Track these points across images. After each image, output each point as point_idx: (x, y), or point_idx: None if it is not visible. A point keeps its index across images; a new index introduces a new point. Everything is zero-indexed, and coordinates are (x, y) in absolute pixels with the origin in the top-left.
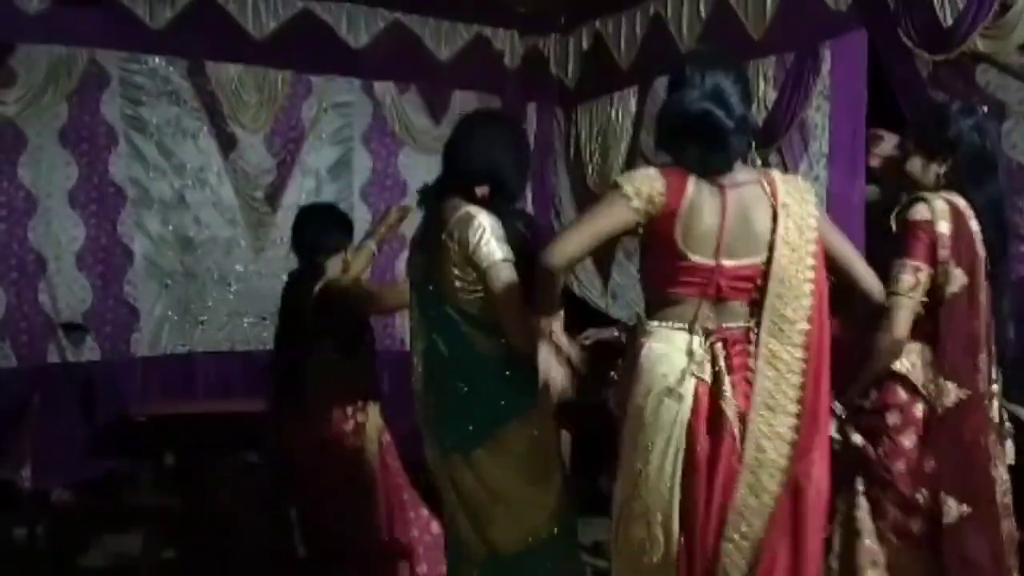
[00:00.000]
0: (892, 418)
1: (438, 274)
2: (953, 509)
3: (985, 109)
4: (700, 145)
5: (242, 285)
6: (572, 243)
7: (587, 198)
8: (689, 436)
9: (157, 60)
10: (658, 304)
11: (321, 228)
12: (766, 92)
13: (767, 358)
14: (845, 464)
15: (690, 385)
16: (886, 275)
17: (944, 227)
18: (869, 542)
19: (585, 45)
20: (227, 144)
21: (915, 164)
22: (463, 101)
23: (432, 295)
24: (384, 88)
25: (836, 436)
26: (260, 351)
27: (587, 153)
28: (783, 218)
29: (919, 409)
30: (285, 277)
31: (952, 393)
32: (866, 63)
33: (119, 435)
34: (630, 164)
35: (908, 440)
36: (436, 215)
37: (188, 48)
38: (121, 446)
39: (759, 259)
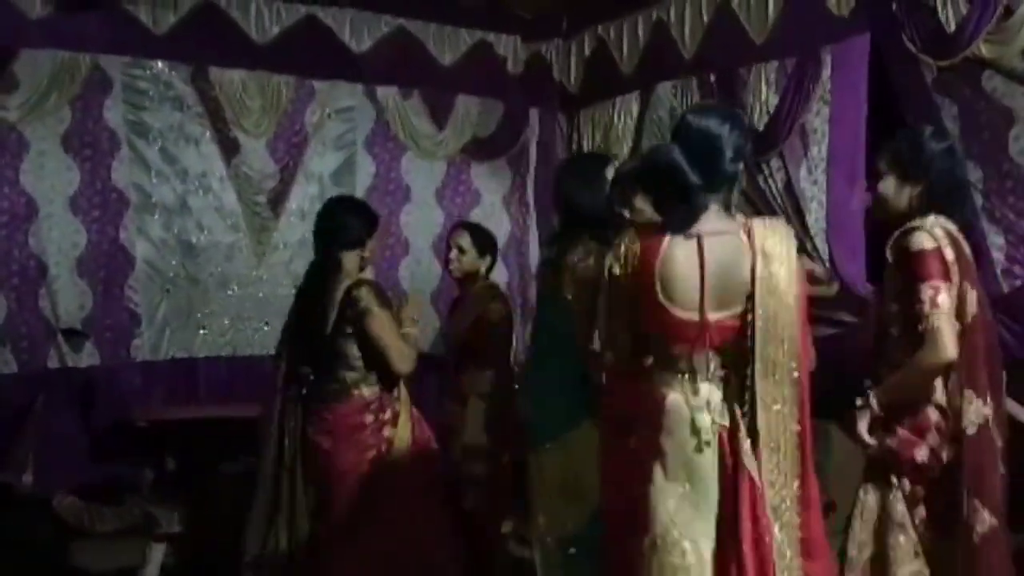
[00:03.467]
0: (931, 439)
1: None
2: (987, 520)
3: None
4: (668, 197)
5: (244, 290)
6: (618, 344)
7: None
8: (722, 482)
9: (160, 65)
10: (666, 358)
11: (342, 221)
12: (767, 97)
13: (764, 402)
14: (875, 458)
15: (714, 431)
16: (895, 300)
17: (950, 253)
18: (905, 536)
19: (588, 50)
20: (230, 149)
21: (888, 186)
22: (466, 106)
23: (561, 312)
24: (387, 93)
25: (867, 438)
26: (262, 356)
27: None
28: (762, 267)
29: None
30: (287, 282)
31: (981, 411)
32: (867, 68)
33: (120, 440)
34: None
35: (946, 453)
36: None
37: (191, 53)
38: (122, 451)
39: (741, 308)
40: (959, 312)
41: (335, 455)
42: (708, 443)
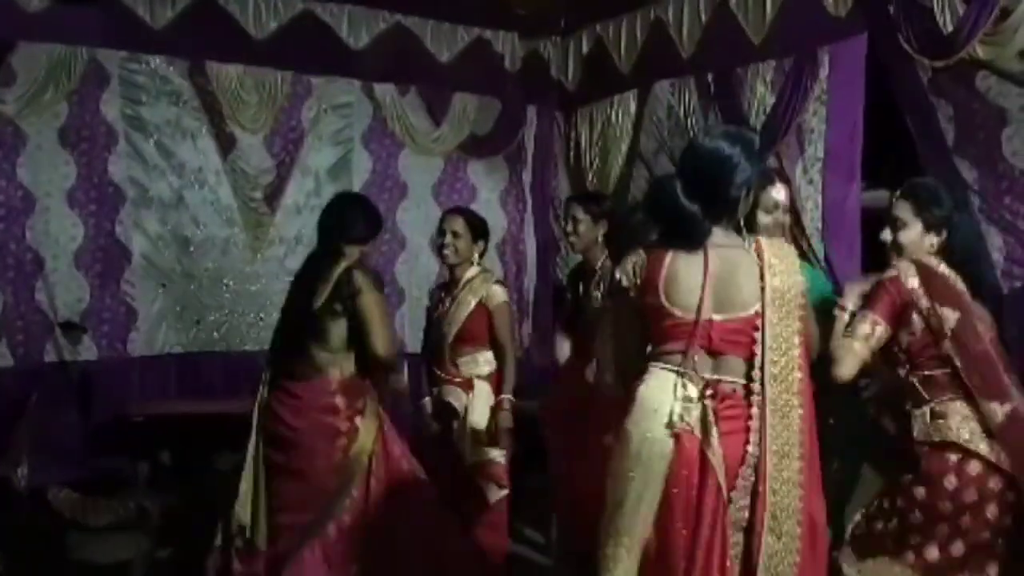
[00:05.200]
0: (949, 482)
1: None
2: None
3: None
4: (669, 230)
5: (240, 285)
6: (624, 354)
7: None
8: (668, 475)
9: (157, 60)
10: (657, 354)
11: (352, 217)
12: (764, 96)
13: (773, 407)
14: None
15: (676, 425)
16: None
17: (913, 281)
18: None
19: (585, 48)
20: (226, 144)
21: (912, 234)
22: (463, 103)
23: None
24: (384, 89)
25: None
26: (257, 351)
27: (587, 156)
28: (770, 276)
29: (974, 467)
30: (283, 277)
31: (998, 411)
32: (864, 69)
33: (116, 434)
34: (629, 167)
35: (968, 496)
36: None
37: (188, 48)
38: (118, 445)
39: (749, 313)
40: (937, 329)
41: (305, 438)
42: (661, 437)
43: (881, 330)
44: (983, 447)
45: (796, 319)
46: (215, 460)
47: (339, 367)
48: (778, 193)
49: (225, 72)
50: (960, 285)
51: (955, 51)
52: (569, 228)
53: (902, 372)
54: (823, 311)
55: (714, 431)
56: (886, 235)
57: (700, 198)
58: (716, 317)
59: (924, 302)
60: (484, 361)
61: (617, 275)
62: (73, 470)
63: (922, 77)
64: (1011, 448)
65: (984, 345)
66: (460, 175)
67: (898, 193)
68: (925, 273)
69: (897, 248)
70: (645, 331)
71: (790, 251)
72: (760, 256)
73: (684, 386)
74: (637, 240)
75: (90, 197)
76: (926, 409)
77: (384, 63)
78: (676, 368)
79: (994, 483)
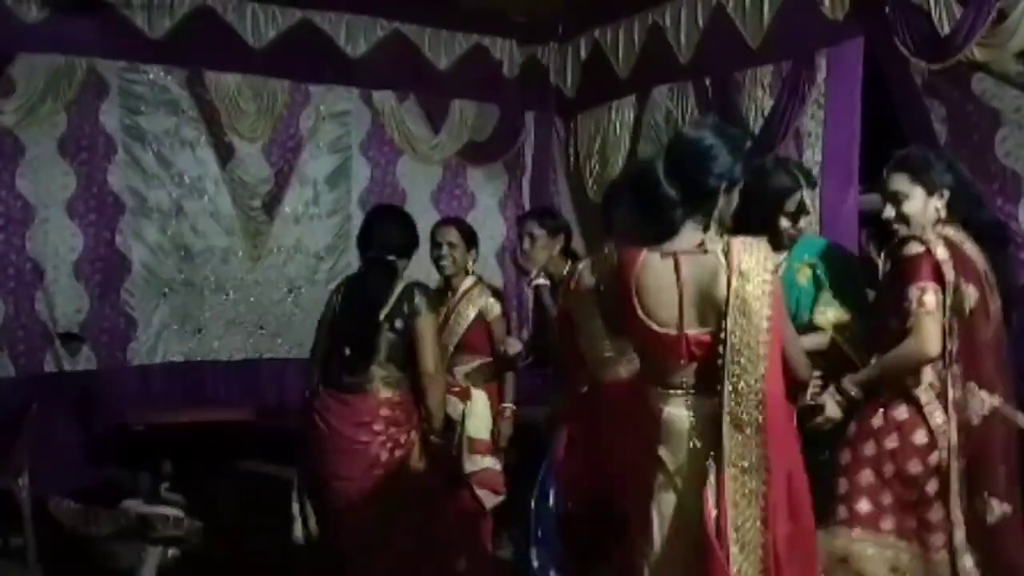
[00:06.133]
0: (890, 442)
1: None
2: (996, 509)
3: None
4: (645, 210)
5: (240, 294)
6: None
7: (586, 207)
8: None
9: (156, 69)
10: (656, 371)
11: (402, 230)
12: (762, 100)
13: (731, 422)
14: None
15: (700, 445)
16: (887, 306)
17: (942, 252)
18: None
19: (584, 54)
20: (225, 153)
21: (915, 204)
22: (462, 110)
23: None
24: (383, 97)
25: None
26: (257, 359)
27: (586, 162)
28: (736, 284)
29: (921, 434)
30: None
31: (987, 401)
32: (861, 72)
33: (117, 444)
34: None
35: (890, 441)
36: None
37: (187, 58)
38: (119, 455)
39: (715, 327)
40: (957, 308)
41: (365, 449)
42: (694, 452)
43: (941, 296)
44: (937, 417)
45: (764, 330)
46: (216, 469)
47: (396, 384)
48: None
49: (223, 81)
50: (980, 263)
51: (952, 53)
52: (527, 245)
53: (894, 322)
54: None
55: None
56: (888, 212)
57: (679, 185)
58: (690, 331)
59: (951, 275)
60: (482, 373)
61: (585, 274)
62: (74, 480)
63: (916, 79)
64: (981, 442)
65: (992, 331)
66: (459, 182)
67: (889, 167)
68: (952, 247)
69: (904, 220)
70: (629, 339)
71: (765, 253)
72: (729, 263)
73: (690, 406)
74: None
75: (89, 207)
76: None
77: (382, 71)
78: (685, 387)
79: (920, 437)
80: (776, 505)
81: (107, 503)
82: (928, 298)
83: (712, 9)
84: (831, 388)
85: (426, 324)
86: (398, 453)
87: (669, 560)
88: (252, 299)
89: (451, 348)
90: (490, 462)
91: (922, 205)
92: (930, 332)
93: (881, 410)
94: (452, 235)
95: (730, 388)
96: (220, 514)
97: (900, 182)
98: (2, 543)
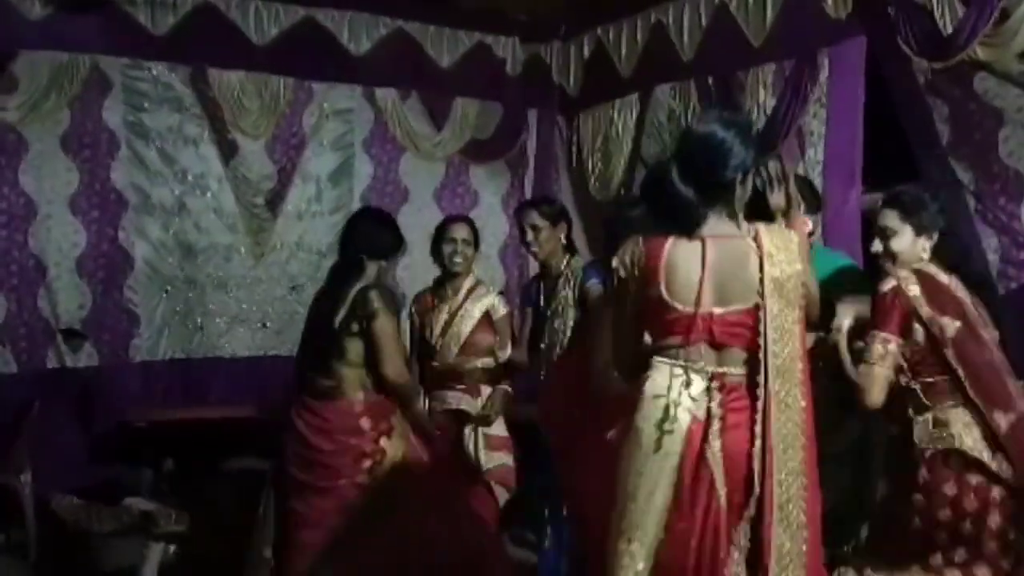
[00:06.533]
0: (949, 489)
1: None
2: None
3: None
4: (665, 214)
5: (242, 291)
6: (625, 349)
7: (589, 205)
8: (680, 469)
9: (159, 66)
10: (659, 348)
11: (376, 231)
12: (765, 99)
13: (777, 400)
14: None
15: (685, 420)
16: None
17: (915, 289)
18: None
19: (586, 52)
20: (228, 151)
21: (904, 241)
22: (464, 108)
23: None
24: (385, 95)
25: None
26: (259, 357)
27: (589, 160)
28: (769, 267)
29: (973, 477)
30: (285, 283)
31: (1003, 421)
32: (863, 71)
33: (119, 441)
34: (631, 171)
35: (968, 504)
36: None
37: (190, 55)
38: (121, 452)
39: (749, 305)
40: (937, 341)
41: (331, 459)
42: (671, 432)
43: (894, 347)
44: (985, 456)
45: (797, 308)
46: (218, 466)
47: (363, 386)
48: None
49: (227, 78)
50: (961, 292)
51: (955, 52)
52: (530, 237)
53: (904, 379)
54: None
55: (715, 425)
56: (877, 246)
57: (695, 183)
58: (716, 310)
59: (925, 310)
60: (484, 367)
61: (615, 265)
62: (76, 477)
63: (919, 78)
64: (1014, 457)
65: (987, 355)
66: (462, 180)
67: (881, 202)
68: (925, 282)
69: (891, 256)
70: (642, 323)
71: (791, 238)
72: (760, 246)
73: (690, 380)
74: (635, 233)
75: (92, 204)
76: (928, 416)
77: (385, 68)
78: (681, 363)
79: (996, 492)
80: (812, 479)
81: (109, 500)
82: (876, 348)
83: (715, 8)
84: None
85: (383, 326)
86: (366, 464)
87: (623, 535)
88: (255, 296)
89: (456, 347)
90: (506, 458)
91: (910, 243)
92: (871, 384)
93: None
94: (465, 232)
95: (773, 367)
96: (221, 511)
97: (891, 218)
98: (4, 539)
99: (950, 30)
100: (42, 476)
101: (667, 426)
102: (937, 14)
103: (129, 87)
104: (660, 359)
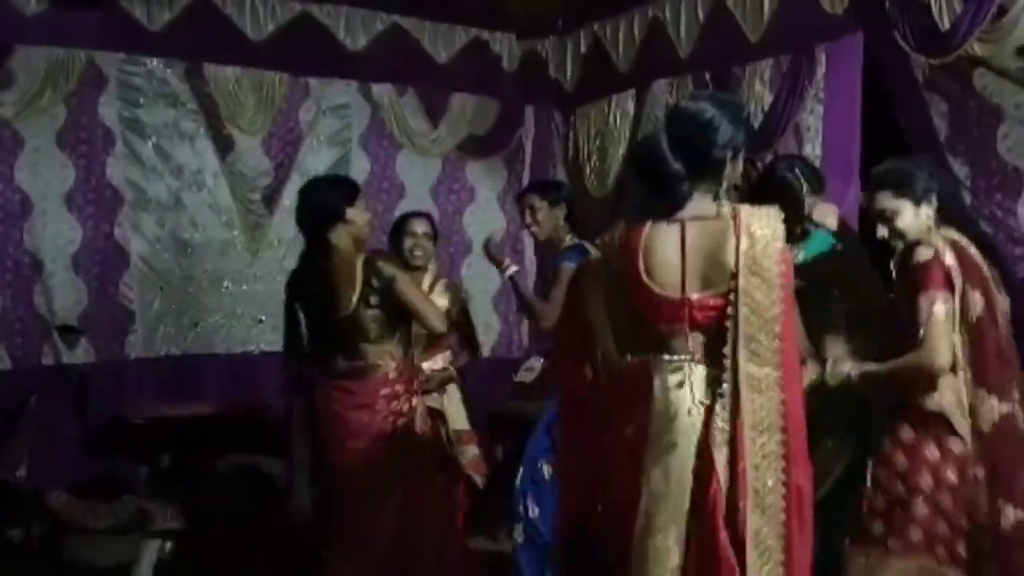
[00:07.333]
0: (931, 452)
1: None
2: (1011, 515)
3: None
4: (648, 185)
5: (238, 287)
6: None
7: (586, 200)
8: (698, 456)
9: (155, 62)
10: (653, 339)
11: (314, 200)
12: (762, 95)
13: (749, 383)
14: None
15: (699, 413)
16: (900, 314)
17: (950, 259)
18: None
19: (583, 48)
20: (224, 146)
21: (906, 216)
22: (461, 104)
23: None
24: (382, 91)
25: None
26: (256, 353)
27: (585, 156)
28: (746, 247)
29: (956, 444)
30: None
31: (996, 408)
32: (861, 66)
33: (115, 437)
34: (628, 167)
35: (950, 472)
36: None
37: (186, 50)
38: (117, 448)
39: (725, 288)
40: (963, 315)
41: (368, 425)
42: (691, 425)
43: (952, 306)
44: (963, 430)
45: (777, 287)
46: (214, 462)
47: (391, 356)
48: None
49: (223, 74)
50: (986, 270)
51: (952, 48)
52: (528, 219)
53: (907, 331)
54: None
55: (718, 407)
56: (882, 231)
57: (683, 157)
58: (695, 295)
59: (959, 281)
60: (443, 360)
61: (598, 247)
62: (72, 473)
63: (917, 74)
64: (993, 449)
65: (1001, 338)
66: (458, 176)
67: (872, 186)
68: (959, 252)
69: (899, 236)
70: (627, 309)
71: (774, 218)
72: (737, 224)
73: (693, 372)
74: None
75: (88, 200)
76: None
77: (381, 64)
78: (683, 354)
79: (975, 470)
80: (796, 462)
81: (105, 496)
82: (938, 308)
83: (712, 3)
84: (830, 362)
85: (404, 286)
86: (401, 422)
87: (657, 532)
88: (251, 292)
89: (422, 342)
90: (475, 450)
91: (913, 217)
92: (939, 343)
93: (934, 442)
94: (425, 226)
95: (746, 349)
96: (218, 508)
97: (885, 199)
98: (0, 536)
99: (947, 26)
100: (38, 472)
101: (679, 418)
102: (934, 9)
103: (125, 82)
104: (656, 356)
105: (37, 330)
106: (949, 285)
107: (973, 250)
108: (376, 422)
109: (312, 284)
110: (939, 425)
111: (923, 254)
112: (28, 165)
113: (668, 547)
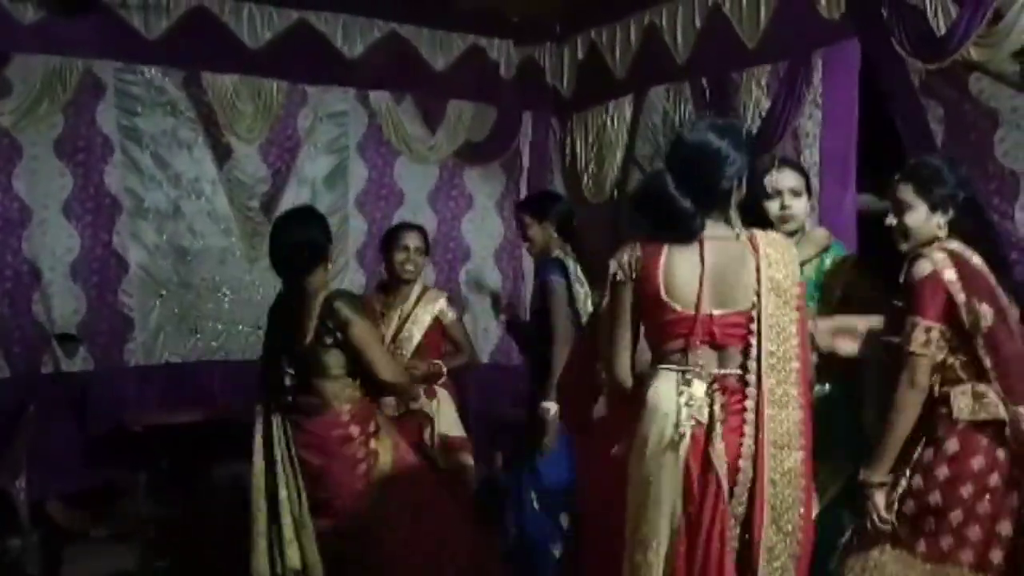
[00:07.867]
0: (976, 462)
1: None
2: None
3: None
4: (661, 225)
5: (237, 295)
6: (621, 352)
7: (583, 207)
8: (686, 474)
9: (153, 70)
10: (661, 354)
11: (309, 240)
12: (759, 101)
13: (771, 399)
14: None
15: (688, 425)
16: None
17: (950, 274)
18: None
19: (580, 54)
20: (222, 154)
21: (918, 216)
22: (458, 111)
23: None
24: (379, 98)
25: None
26: (255, 360)
27: (583, 162)
28: (765, 268)
29: (1002, 452)
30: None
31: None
32: (858, 72)
33: (114, 445)
34: (625, 173)
35: (994, 478)
36: None
37: (184, 58)
38: (116, 456)
39: (747, 305)
40: (972, 325)
41: (327, 472)
42: (683, 436)
43: (936, 333)
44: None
45: (793, 308)
46: (214, 469)
47: (346, 395)
48: (780, 179)
49: (220, 82)
50: (992, 279)
51: (948, 53)
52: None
53: (940, 355)
54: None
55: (718, 427)
56: (891, 220)
57: (692, 192)
58: (715, 312)
59: (961, 296)
60: (435, 371)
61: (612, 269)
62: (72, 481)
63: (914, 79)
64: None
65: (1017, 345)
66: (456, 182)
67: (899, 176)
68: (960, 265)
69: (904, 231)
70: (639, 326)
71: (787, 243)
72: (755, 248)
73: (690, 384)
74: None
75: (86, 208)
76: (968, 387)
77: (379, 71)
78: (683, 367)
79: (1018, 472)
80: (810, 482)
81: (105, 504)
82: (917, 335)
83: (709, 9)
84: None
85: (360, 332)
86: (360, 470)
87: (650, 542)
88: (250, 299)
89: (407, 353)
90: (468, 457)
91: (924, 219)
92: (917, 375)
93: (981, 453)
94: (418, 240)
95: (767, 365)
96: (217, 515)
97: (906, 192)
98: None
99: (943, 31)
100: (38, 480)
101: (672, 433)
102: (930, 15)
103: (122, 91)
104: (663, 365)
105: (36, 338)
106: (947, 303)
107: (976, 260)
108: (331, 467)
109: (283, 321)
110: (987, 433)
111: (922, 270)
112: (26, 174)
113: (650, 562)
